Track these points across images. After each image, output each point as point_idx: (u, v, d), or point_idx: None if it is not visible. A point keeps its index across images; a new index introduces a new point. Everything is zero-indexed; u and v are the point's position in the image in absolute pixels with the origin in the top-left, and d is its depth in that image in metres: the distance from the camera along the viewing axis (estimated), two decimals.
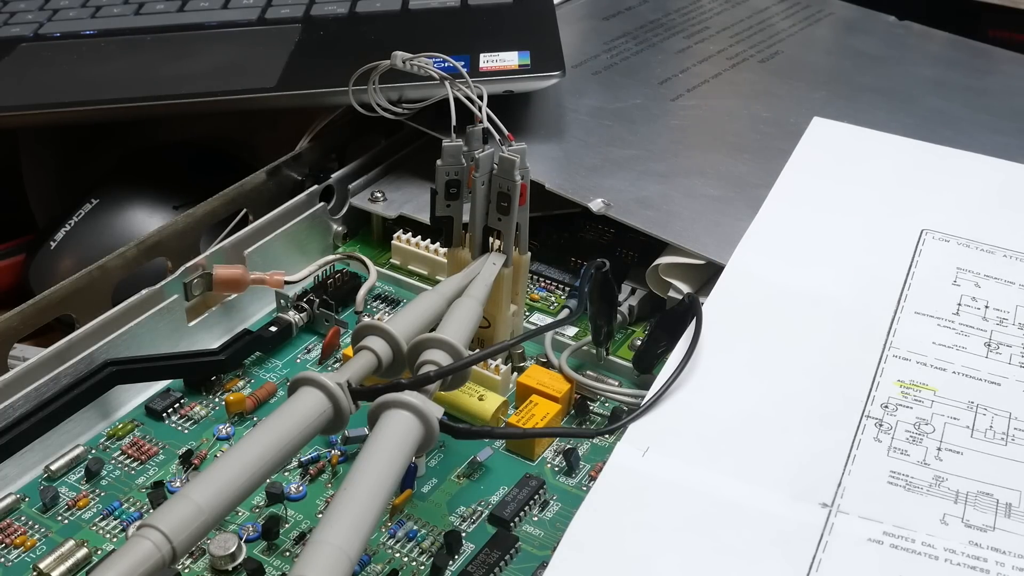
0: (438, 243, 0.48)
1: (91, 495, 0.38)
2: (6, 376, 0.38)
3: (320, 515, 0.37)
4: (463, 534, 0.36)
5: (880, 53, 0.64)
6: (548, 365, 0.43)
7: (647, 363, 0.42)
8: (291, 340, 0.45)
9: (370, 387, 0.34)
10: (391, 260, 0.50)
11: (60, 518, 0.37)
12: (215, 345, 0.43)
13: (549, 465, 0.39)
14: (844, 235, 0.46)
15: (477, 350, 0.37)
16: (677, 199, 0.47)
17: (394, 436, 0.31)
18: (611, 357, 0.43)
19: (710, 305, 0.41)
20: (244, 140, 0.60)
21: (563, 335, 0.45)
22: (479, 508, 0.37)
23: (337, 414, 0.33)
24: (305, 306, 0.45)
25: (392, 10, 0.57)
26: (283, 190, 0.50)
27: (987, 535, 0.33)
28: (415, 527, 0.37)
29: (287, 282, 0.46)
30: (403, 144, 0.54)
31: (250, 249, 0.46)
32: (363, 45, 0.55)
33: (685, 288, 0.44)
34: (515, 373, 0.43)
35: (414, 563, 0.35)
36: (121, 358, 0.40)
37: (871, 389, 0.38)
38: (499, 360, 0.42)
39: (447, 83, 0.40)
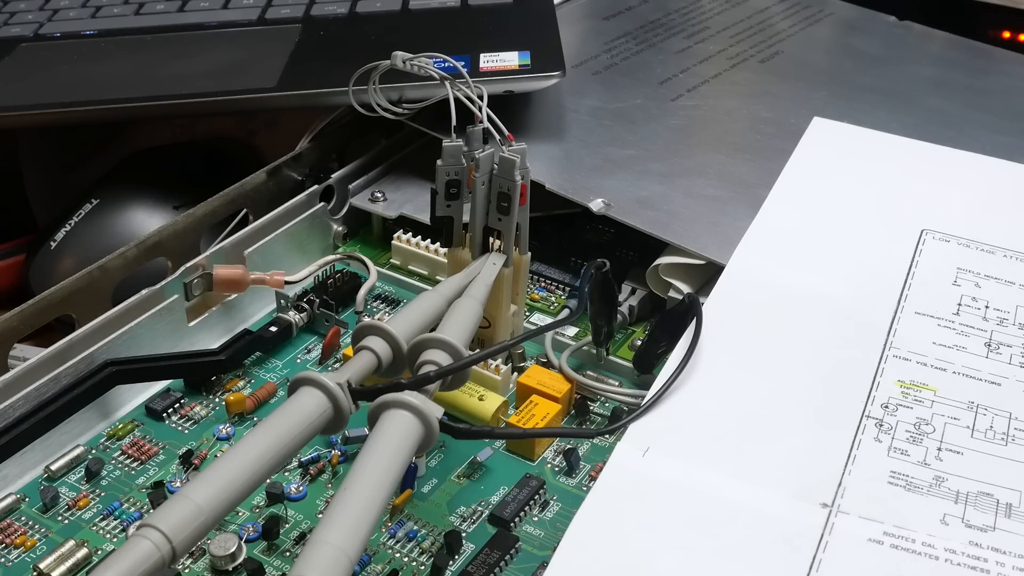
0: (438, 243, 0.48)
1: (91, 495, 0.38)
2: (6, 376, 0.38)
3: (320, 515, 0.37)
4: (463, 534, 0.36)
5: (880, 53, 0.64)
6: (548, 365, 0.43)
7: (647, 363, 0.42)
8: (291, 340, 0.45)
9: (370, 387, 0.34)
10: (391, 260, 0.49)
11: (60, 518, 0.37)
12: (215, 345, 0.43)
13: (549, 465, 0.39)
14: (844, 235, 0.46)
15: (477, 350, 0.37)
16: (677, 199, 0.47)
17: (394, 436, 0.31)
18: (611, 357, 0.43)
19: (710, 305, 0.41)
20: (244, 140, 0.60)
21: (563, 335, 0.45)
22: (479, 508, 0.37)
23: (337, 414, 0.33)
24: (305, 306, 0.45)
25: (392, 10, 0.57)
26: (283, 190, 0.50)
27: (987, 535, 0.33)
28: (415, 527, 0.37)
29: (287, 282, 0.46)
30: (403, 144, 0.54)
31: (250, 249, 0.46)
32: (363, 45, 0.55)
33: (685, 288, 0.44)
34: (515, 373, 0.42)
35: (414, 563, 0.35)
36: (121, 358, 0.40)
37: (871, 389, 0.38)
38: (499, 360, 0.42)
39: (447, 83, 0.40)
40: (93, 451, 0.40)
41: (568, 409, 0.41)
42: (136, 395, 0.42)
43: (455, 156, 0.40)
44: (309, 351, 0.45)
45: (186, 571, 0.35)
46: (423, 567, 0.35)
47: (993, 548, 0.32)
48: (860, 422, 0.37)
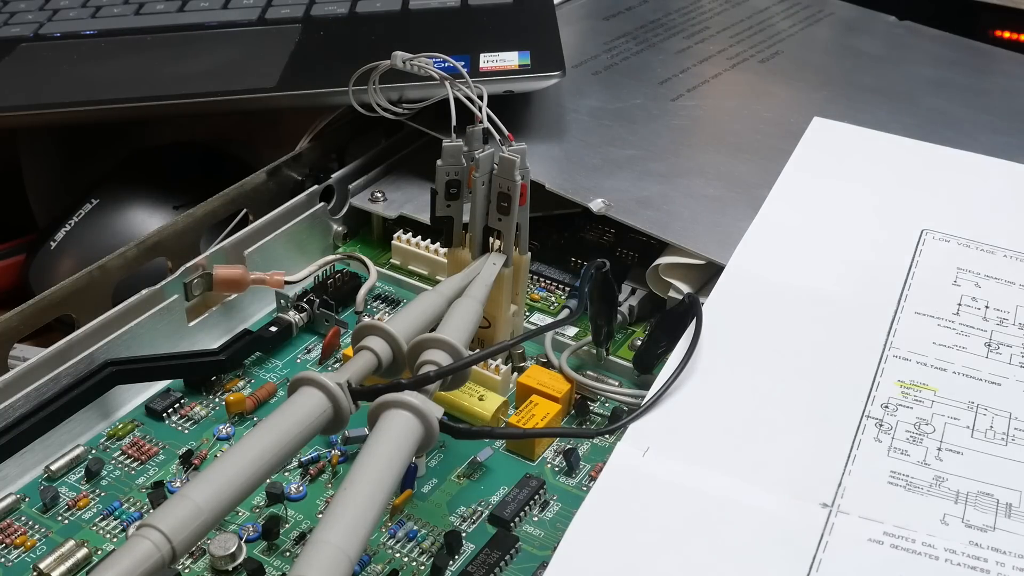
0: (438, 243, 0.48)
1: (91, 495, 0.38)
2: (6, 376, 0.38)
3: (320, 515, 0.37)
4: (463, 534, 0.36)
5: (880, 53, 0.64)
6: (548, 365, 0.43)
7: (647, 363, 0.42)
8: (291, 340, 0.45)
9: (370, 387, 0.34)
10: (391, 260, 0.50)
11: (60, 518, 0.37)
12: (215, 345, 0.43)
13: (549, 465, 0.39)
14: (844, 235, 0.46)
15: (477, 350, 0.37)
16: (677, 199, 0.47)
17: (394, 436, 0.31)
18: (611, 357, 0.43)
19: (710, 305, 0.41)
20: (244, 140, 0.60)
21: (563, 335, 0.45)
22: (479, 508, 0.37)
23: (337, 414, 0.33)
24: (305, 306, 0.45)
25: (392, 10, 0.57)
26: (283, 190, 0.50)
27: (987, 535, 0.33)
28: (415, 527, 0.37)
29: (287, 282, 0.46)
30: (403, 144, 0.54)
31: (250, 249, 0.46)
32: (363, 45, 0.55)
33: (685, 288, 0.44)
34: (515, 373, 0.42)
35: (414, 563, 0.35)
36: (121, 358, 0.40)
37: (871, 389, 0.38)
38: (499, 360, 0.42)
39: (447, 83, 0.40)
40: (93, 451, 0.40)
41: (568, 409, 0.41)
42: (136, 395, 0.42)
43: (455, 156, 0.40)
44: (309, 351, 0.45)
45: (186, 571, 0.35)
46: (423, 567, 0.35)
47: (993, 548, 0.32)
48: (860, 422, 0.37)
